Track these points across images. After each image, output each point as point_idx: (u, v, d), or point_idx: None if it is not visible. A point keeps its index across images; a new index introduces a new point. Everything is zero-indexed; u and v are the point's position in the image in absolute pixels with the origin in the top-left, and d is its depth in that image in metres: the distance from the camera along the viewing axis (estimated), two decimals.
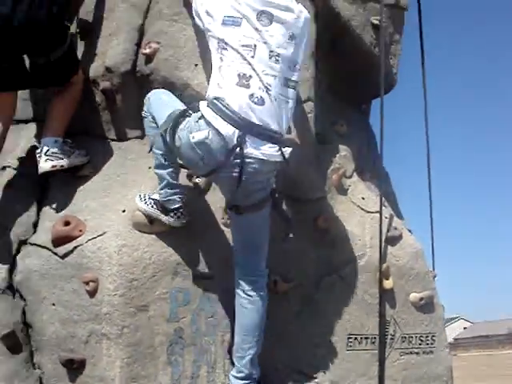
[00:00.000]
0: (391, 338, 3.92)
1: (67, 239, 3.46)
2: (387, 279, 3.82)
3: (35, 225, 3.73)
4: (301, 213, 3.73)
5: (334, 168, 4.08)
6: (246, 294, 3.27)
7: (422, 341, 4.03)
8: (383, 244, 3.88)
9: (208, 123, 3.03)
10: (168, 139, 3.21)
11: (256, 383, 3.31)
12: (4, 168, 3.99)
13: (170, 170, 3.36)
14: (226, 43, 3.12)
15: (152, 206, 3.37)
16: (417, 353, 4.01)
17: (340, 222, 3.87)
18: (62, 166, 3.65)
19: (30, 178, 3.85)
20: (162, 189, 3.37)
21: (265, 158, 3.04)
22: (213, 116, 3.02)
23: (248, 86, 3.05)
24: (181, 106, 3.28)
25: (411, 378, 3.96)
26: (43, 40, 3.49)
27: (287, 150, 3.12)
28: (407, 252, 4.06)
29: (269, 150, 3.05)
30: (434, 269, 4.51)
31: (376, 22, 4.31)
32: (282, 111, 3.12)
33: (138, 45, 3.86)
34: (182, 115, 3.19)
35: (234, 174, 3.03)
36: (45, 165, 3.62)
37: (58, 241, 3.48)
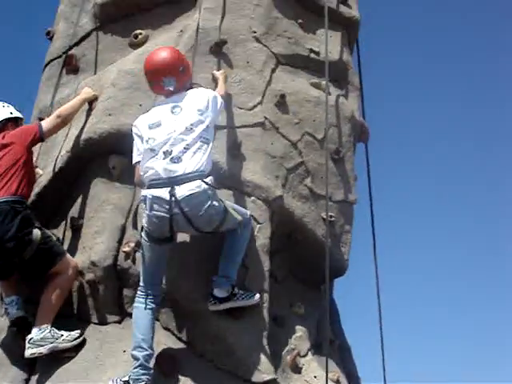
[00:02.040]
0: None
1: None
2: None
3: None
4: None
5: (289, 349, 4.46)
6: None
7: None
8: None
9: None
10: None
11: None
12: None
13: (146, 353, 3.90)
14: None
15: None
16: None
17: None
18: (40, 353, 4.21)
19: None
20: (134, 368, 3.88)
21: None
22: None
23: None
24: None
25: None
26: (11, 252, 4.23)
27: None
28: None
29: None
30: None
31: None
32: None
33: (120, 242, 4.53)
34: None
35: None
36: (26, 352, 4.22)
37: None
